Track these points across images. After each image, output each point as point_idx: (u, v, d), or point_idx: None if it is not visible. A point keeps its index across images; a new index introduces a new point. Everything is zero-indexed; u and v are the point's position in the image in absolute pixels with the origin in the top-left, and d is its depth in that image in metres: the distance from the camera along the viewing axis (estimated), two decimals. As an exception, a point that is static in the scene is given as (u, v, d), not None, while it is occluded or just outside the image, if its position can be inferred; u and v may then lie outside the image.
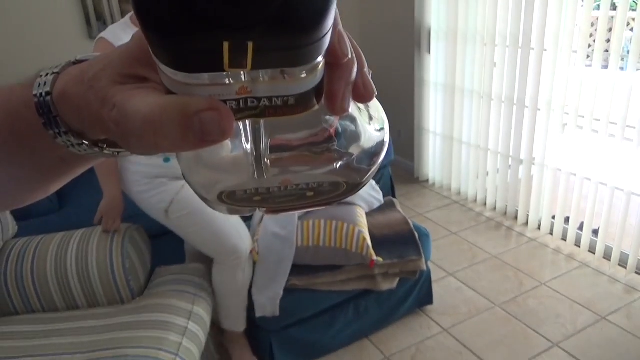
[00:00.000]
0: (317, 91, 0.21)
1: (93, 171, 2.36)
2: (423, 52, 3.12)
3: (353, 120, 0.25)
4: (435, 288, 2.17)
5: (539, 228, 2.72)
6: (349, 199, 1.94)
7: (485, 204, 3.01)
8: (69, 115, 0.26)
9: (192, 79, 0.19)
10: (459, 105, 2.99)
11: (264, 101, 0.20)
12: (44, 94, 0.27)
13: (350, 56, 0.21)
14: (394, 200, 2.19)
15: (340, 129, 0.24)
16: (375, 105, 0.27)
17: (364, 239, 1.81)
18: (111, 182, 1.66)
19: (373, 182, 2.14)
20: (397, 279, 1.93)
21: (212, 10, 0.16)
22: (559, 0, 2.29)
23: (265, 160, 0.24)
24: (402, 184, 3.35)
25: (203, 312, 1.58)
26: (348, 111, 0.22)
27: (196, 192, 0.26)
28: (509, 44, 2.59)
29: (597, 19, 2.22)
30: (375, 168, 0.27)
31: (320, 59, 0.19)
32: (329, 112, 0.22)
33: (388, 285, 1.91)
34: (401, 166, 3.57)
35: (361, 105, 0.25)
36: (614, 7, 2.22)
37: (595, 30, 2.23)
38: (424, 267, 1.94)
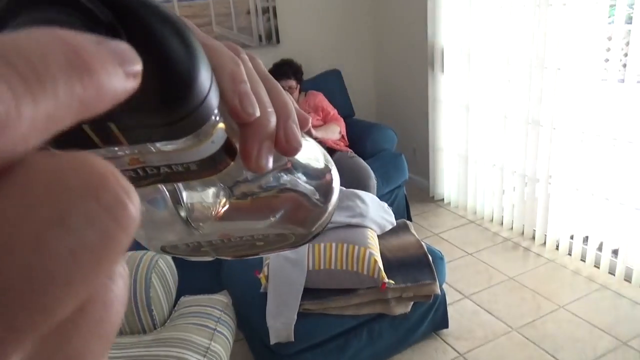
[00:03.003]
0: (228, 150, 0.20)
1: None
2: (437, 71, 3.12)
3: (283, 170, 0.24)
4: (451, 311, 2.15)
5: (557, 248, 2.67)
6: (360, 222, 1.93)
7: (501, 223, 2.97)
8: None
9: None
10: (473, 124, 2.98)
11: (164, 169, 0.19)
12: None
13: (256, 114, 0.20)
14: (408, 222, 2.18)
15: (271, 181, 0.23)
16: (312, 148, 0.26)
17: (375, 261, 1.80)
18: None
19: (385, 205, 2.13)
20: (411, 303, 1.91)
21: None
22: (572, 18, 2.28)
23: (192, 216, 0.23)
24: (417, 202, 3.33)
25: (220, 348, 1.57)
26: (266, 169, 0.21)
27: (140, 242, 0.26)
28: (522, 63, 2.58)
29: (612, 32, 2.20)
30: (324, 217, 0.26)
31: (211, 123, 0.18)
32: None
33: (402, 309, 1.89)
34: (416, 185, 3.55)
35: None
36: (629, 20, 2.19)
37: (611, 44, 2.21)
38: (438, 292, 1.92)
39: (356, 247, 1.82)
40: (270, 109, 0.21)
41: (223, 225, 0.24)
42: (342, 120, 3.00)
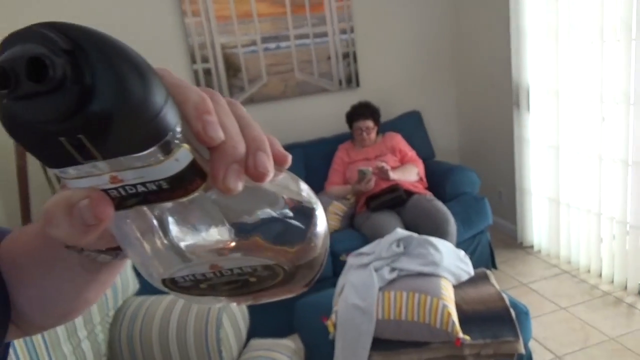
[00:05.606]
0: (199, 173, 0.22)
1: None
2: (522, 110, 2.97)
3: (255, 197, 0.25)
4: (539, 372, 1.95)
5: (668, 307, 2.36)
6: (433, 271, 1.84)
7: (600, 275, 2.68)
8: None
9: (64, 174, 0.21)
10: (564, 166, 2.77)
11: (141, 187, 0.21)
12: None
13: (220, 137, 0.22)
14: (488, 272, 2.04)
15: (250, 209, 0.24)
16: (293, 182, 0.27)
17: (449, 314, 1.69)
18: None
19: (461, 253, 2.02)
20: (490, 361, 1.76)
21: (31, 120, 0.19)
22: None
23: (180, 246, 0.24)
24: (503, 249, 3.12)
25: (285, 395, 1.54)
26: (235, 191, 0.23)
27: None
28: (618, 102, 2.37)
29: None
30: (307, 247, 0.26)
31: (172, 141, 0.20)
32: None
33: (480, 367, 1.74)
34: (503, 230, 3.34)
35: (277, 180, 0.25)
36: None
37: None
38: (522, 350, 1.75)
39: (428, 298, 1.73)
40: (238, 138, 0.23)
41: (211, 254, 0.25)
42: (420, 161, 2.93)
